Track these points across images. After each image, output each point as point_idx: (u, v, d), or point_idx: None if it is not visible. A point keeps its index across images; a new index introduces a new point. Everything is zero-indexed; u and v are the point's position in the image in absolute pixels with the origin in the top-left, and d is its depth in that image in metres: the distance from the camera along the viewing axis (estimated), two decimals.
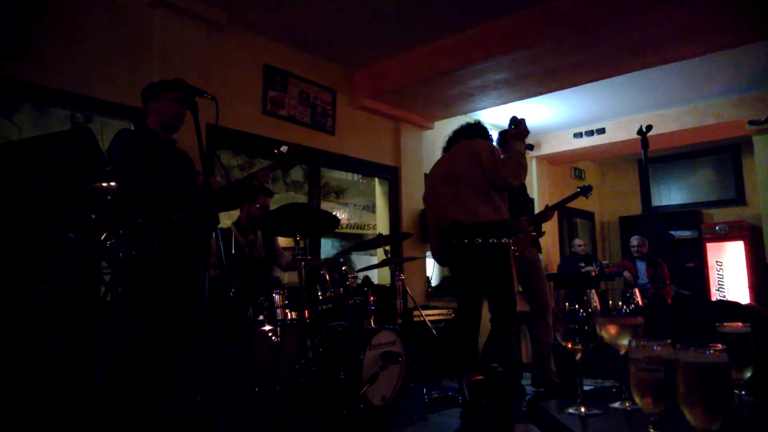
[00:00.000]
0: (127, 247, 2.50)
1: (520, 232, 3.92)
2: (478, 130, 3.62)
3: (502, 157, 3.40)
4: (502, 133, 3.88)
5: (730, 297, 7.64)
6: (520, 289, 3.94)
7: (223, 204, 2.93)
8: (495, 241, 3.24)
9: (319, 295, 3.63)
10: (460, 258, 3.36)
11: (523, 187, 4.31)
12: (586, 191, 4.63)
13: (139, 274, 2.54)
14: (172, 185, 2.73)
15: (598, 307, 1.30)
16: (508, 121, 3.60)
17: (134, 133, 2.86)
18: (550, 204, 4.32)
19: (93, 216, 2.66)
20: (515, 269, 3.62)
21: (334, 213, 3.60)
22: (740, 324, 1.18)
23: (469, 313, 3.38)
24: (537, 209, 4.96)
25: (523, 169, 3.39)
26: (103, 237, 2.52)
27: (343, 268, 3.75)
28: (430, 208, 3.63)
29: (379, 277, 6.23)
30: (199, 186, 2.91)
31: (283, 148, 2.97)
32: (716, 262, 8.00)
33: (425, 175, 6.08)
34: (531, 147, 4.37)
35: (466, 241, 3.27)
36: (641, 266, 6.99)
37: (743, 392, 1.18)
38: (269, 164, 2.97)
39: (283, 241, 4.80)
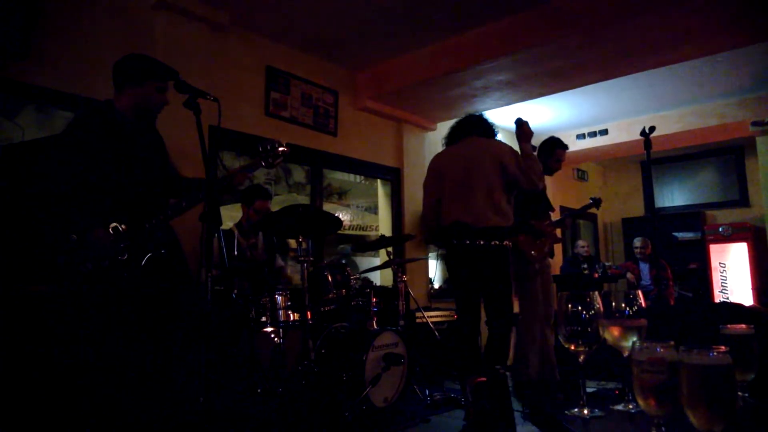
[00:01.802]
0: (96, 257, 2.35)
1: (543, 236, 3.97)
2: (489, 127, 3.56)
3: None
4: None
5: (734, 299, 7.63)
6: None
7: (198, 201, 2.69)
8: (497, 243, 3.23)
9: (321, 297, 3.63)
10: (460, 259, 3.34)
11: (545, 193, 4.35)
12: (597, 203, 4.82)
13: (109, 285, 2.37)
14: (144, 184, 2.54)
15: (601, 308, 1.30)
16: (513, 122, 3.61)
17: (98, 116, 2.55)
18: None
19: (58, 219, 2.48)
20: (538, 274, 3.64)
21: (336, 214, 3.60)
22: (744, 326, 1.18)
23: (469, 313, 3.36)
24: None
25: (541, 170, 3.45)
26: (68, 243, 2.34)
27: (347, 270, 3.76)
28: (431, 196, 3.51)
29: (381, 278, 6.23)
30: (176, 177, 2.79)
31: (263, 144, 2.75)
32: (719, 263, 7.98)
33: None
34: (534, 148, 4.41)
35: (467, 242, 3.25)
36: (644, 268, 6.98)
37: (747, 394, 1.18)
38: (250, 162, 2.80)
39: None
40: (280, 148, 2.68)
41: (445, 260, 3.51)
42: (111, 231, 2.39)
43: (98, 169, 2.43)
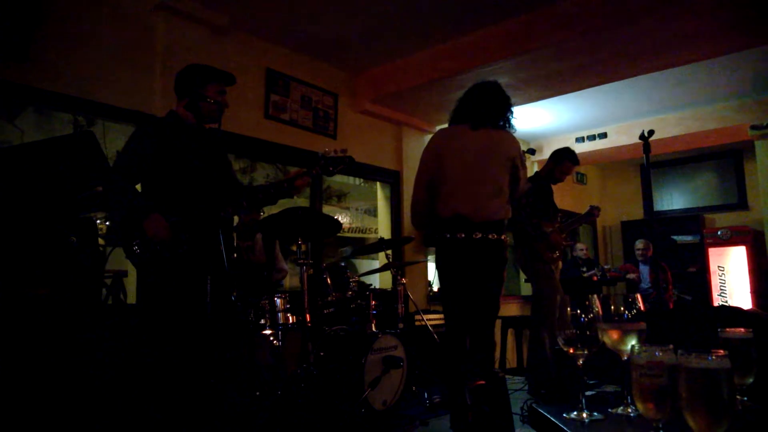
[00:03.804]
0: (155, 249, 2.43)
1: (557, 247, 4.02)
2: (504, 118, 3.18)
3: None
4: None
5: (733, 302, 7.62)
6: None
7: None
8: (494, 236, 3.02)
9: (321, 299, 3.63)
10: (453, 254, 3.07)
11: (552, 195, 4.35)
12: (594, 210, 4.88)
13: (165, 276, 2.47)
14: (209, 184, 2.65)
15: (600, 312, 1.30)
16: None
17: (163, 124, 2.69)
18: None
19: (116, 219, 2.60)
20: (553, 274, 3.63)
21: (335, 217, 3.60)
22: (742, 329, 1.18)
23: (463, 311, 3.08)
24: None
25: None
26: (128, 236, 2.45)
27: (346, 273, 3.76)
28: (425, 173, 3.19)
29: (380, 281, 6.22)
30: (236, 180, 2.89)
31: (326, 151, 2.87)
32: (718, 267, 7.97)
33: None
34: (533, 151, 4.44)
35: (462, 235, 3.01)
36: (644, 270, 6.99)
37: (745, 398, 1.18)
38: (307, 170, 2.86)
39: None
40: (338, 159, 2.86)
41: (437, 255, 3.19)
42: (169, 222, 2.45)
43: (160, 165, 2.53)
